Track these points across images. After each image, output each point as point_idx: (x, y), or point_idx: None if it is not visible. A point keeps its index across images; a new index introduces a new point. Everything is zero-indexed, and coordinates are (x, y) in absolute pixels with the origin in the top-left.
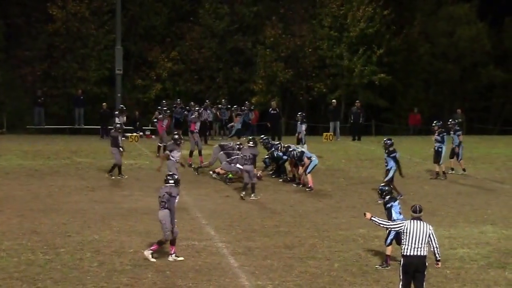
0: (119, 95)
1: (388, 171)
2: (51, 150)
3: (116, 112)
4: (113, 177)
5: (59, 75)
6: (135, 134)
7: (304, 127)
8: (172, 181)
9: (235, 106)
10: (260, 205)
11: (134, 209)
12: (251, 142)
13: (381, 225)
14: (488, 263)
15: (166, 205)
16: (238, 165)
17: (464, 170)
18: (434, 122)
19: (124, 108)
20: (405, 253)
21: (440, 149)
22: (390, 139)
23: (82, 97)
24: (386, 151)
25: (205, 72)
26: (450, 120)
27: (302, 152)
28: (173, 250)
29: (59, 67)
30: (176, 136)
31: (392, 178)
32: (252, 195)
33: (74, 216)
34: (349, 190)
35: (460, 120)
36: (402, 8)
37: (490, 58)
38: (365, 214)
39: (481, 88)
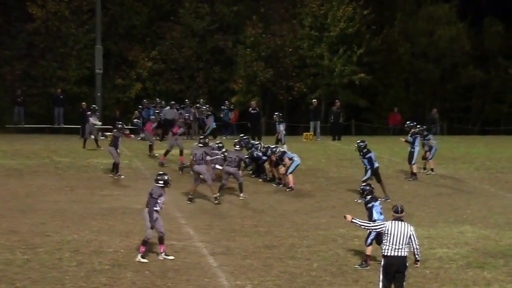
0: (99, 94)
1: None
2: (30, 149)
3: (89, 112)
4: (122, 176)
5: (39, 74)
6: None
7: (282, 127)
8: (161, 182)
9: (203, 107)
10: (239, 205)
11: (114, 209)
12: (238, 146)
13: (362, 226)
14: (467, 263)
15: (147, 204)
16: (217, 166)
17: (432, 170)
18: (407, 123)
19: (97, 108)
20: (386, 254)
21: (412, 150)
22: (363, 141)
23: (62, 97)
24: (361, 153)
25: (186, 72)
26: (419, 126)
27: (284, 152)
28: (162, 249)
29: (39, 66)
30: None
31: (379, 178)
32: (241, 194)
33: (53, 216)
34: (328, 190)
35: (439, 122)
36: (382, 8)
37: (470, 58)
38: (345, 216)
39: (461, 88)
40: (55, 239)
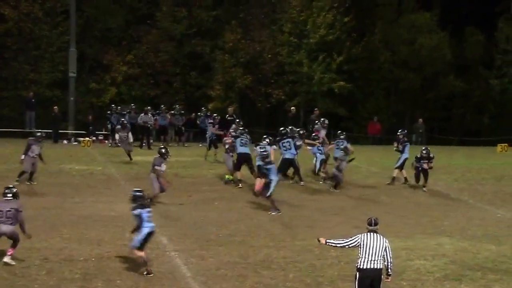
0: (72, 98)
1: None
2: (0, 153)
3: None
4: (15, 183)
5: (11, 76)
6: (87, 139)
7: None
8: (10, 195)
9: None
10: (215, 213)
11: (85, 216)
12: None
13: (338, 245)
14: (445, 275)
15: (13, 221)
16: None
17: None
18: (399, 131)
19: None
20: (360, 266)
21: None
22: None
23: (33, 100)
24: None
25: (162, 77)
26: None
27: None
28: (10, 252)
29: (11, 68)
30: (163, 150)
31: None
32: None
33: None
34: (305, 200)
35: (420, 130)
36: (363, 15)
37: (451, 67)
38: (319, 240)
39: (441, 98)
40: (24, 247)
